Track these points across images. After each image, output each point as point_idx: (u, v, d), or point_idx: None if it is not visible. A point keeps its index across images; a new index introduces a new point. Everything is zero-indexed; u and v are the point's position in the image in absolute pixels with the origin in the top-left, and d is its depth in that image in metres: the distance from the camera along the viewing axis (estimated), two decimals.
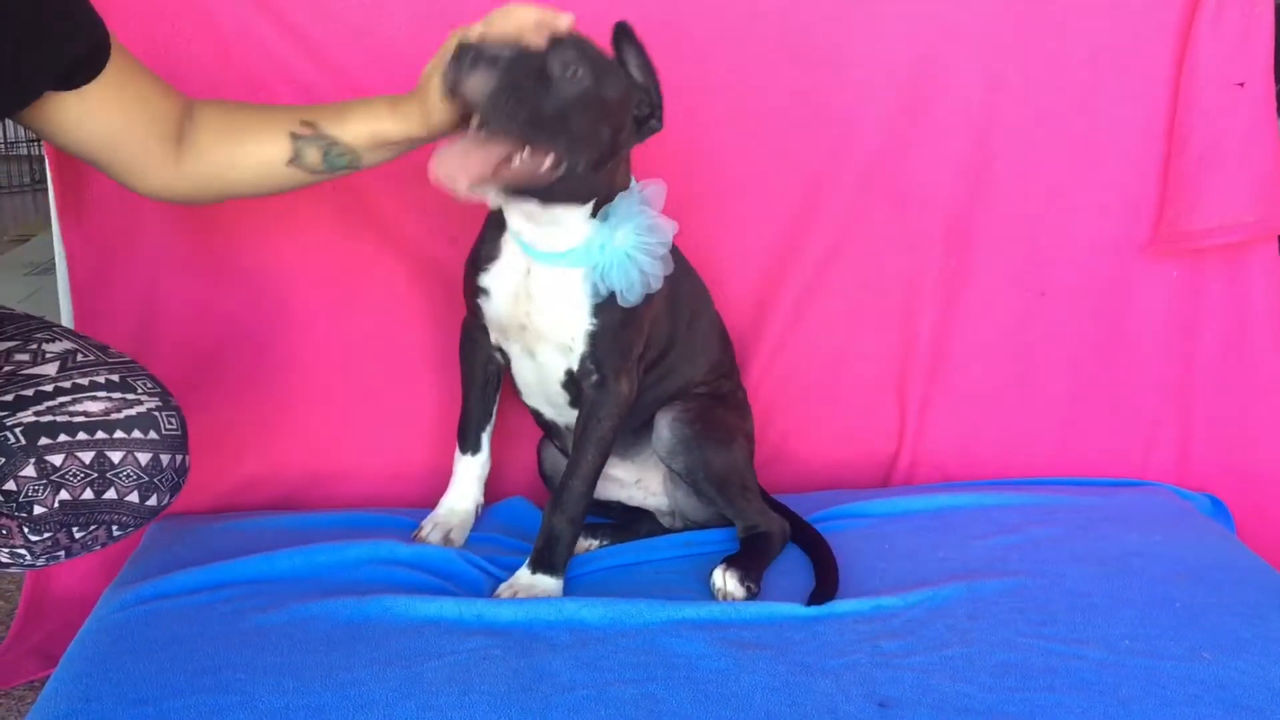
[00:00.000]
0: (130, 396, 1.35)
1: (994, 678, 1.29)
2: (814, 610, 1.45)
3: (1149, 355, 1.95)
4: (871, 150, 1.86)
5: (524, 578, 1.51)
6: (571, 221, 1.45)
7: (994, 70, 1.85)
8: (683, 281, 1.63)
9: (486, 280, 1.54)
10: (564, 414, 1.63)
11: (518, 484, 1.86)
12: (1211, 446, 1.96)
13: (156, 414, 1.36)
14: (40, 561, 1.34)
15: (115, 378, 1.36)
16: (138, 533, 1.44)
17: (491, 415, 1.69)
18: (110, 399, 1.33)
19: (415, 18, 1.75)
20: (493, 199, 1.38)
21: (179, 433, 1.38)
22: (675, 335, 1.63)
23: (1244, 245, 1.87)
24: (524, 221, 1.47)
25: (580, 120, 1.35)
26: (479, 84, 1.27)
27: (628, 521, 1.75)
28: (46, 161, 1.72)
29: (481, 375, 1.67)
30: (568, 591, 1.52)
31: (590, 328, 1.50)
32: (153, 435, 1.34)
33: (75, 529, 1.33)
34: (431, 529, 1.64)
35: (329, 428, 1.85)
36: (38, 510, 1.29)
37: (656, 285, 1.48)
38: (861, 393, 1.96)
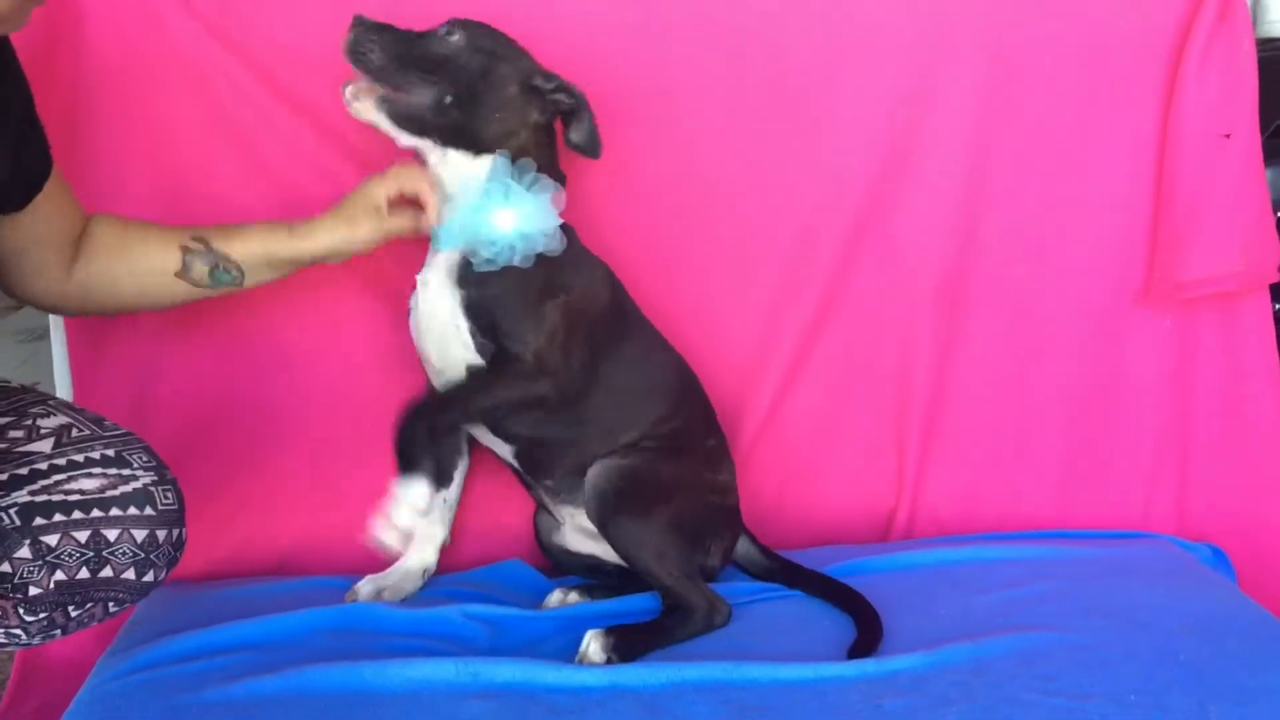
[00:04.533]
0: (126, 472, 1.34)
1: None
2: (814, 670, 1.43)
3: (1145, 406, 1.94)
4: (861, 208, 1.87)
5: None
6: (464, 169, 1.57)
7: (981, 127, 1.86)
8: (613, 316, 1.66)
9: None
10: (499, 446, 1.66)
11: (518, 550, 1.85)
12: (1211, 496, 1.96)
13: (152, 489, 1.35)
14: (36, 640, 1.33)
15: (111, 453, 1.35)
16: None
17: (450, 480, 1.73)
18: (106, 475, 1.32)
19: None
20: (390, 130, 1.56)
21: (175, 507, 1.37)
22: (598, 368, 1.62)
23: (1235, 295, 1.88)
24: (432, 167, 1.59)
25: (451, 68, 1.54)
26: (353, 40, 1.51)
27: (626, 580, 1.71)
28: None
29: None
30: (557, 651, 1.51)
31: (464, 300, 1.56)
32: (149, 511, 1.33)
33: (71, 608, 1.31)
34: (365, 583, 1.67)
35: (324, 492, 1.83)
36: (33, 591, 1.28)
37: (523, 253, 1.55)
38: (858, 448, 1.95)
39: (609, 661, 1.46)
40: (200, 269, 1.52)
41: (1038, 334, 1.93)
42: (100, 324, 1.76)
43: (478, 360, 1.57)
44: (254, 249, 1.54)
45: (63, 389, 1.78)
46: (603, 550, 1.67)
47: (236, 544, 1.81)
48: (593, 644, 1.48)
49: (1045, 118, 1.87)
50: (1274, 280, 1.87)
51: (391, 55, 1.51)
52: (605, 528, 1.59)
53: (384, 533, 1.48)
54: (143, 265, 1.52)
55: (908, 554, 1.79)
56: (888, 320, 1.91)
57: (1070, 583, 1.66)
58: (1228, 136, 1.81)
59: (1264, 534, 1.94)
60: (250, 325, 1.80)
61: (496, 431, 1.65)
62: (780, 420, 1.92)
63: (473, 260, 1.56)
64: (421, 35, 1.55)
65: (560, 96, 1.59)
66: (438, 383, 1.65)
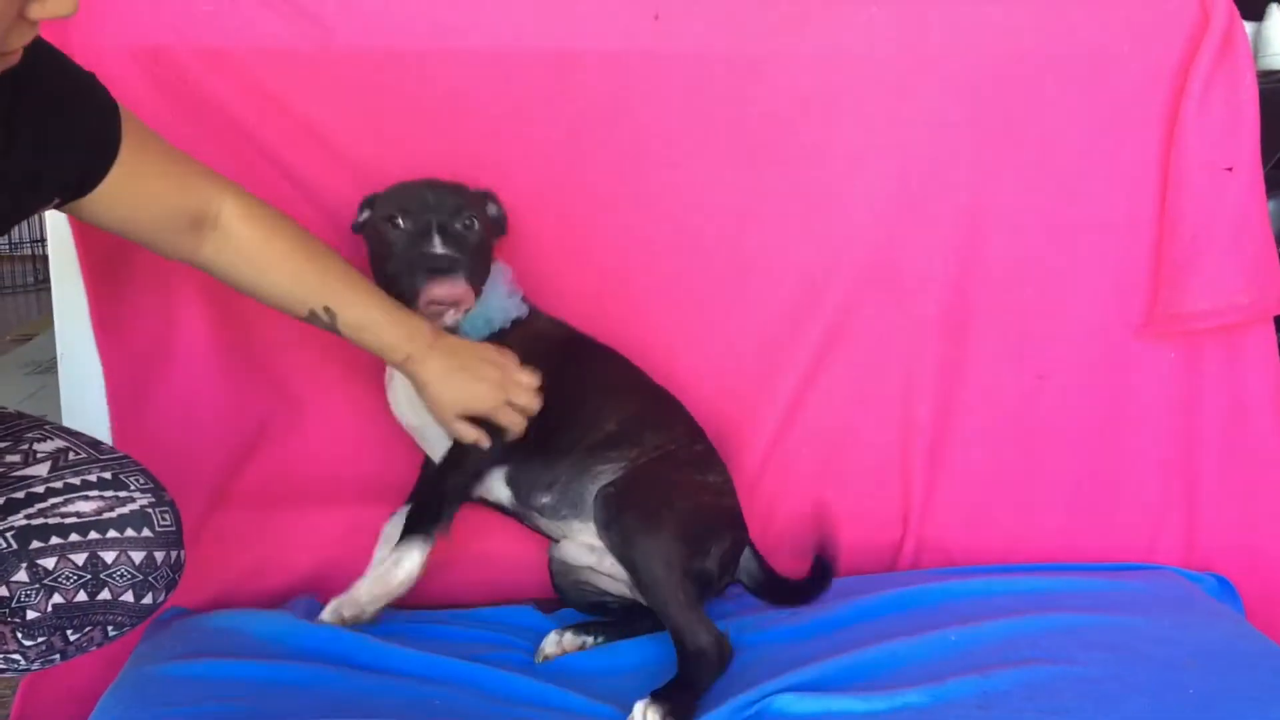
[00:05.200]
0: (123, 494, 1.34)
1: None
2: (821, 704, 1.43)
3: (1150, 436, 1.94)
4: (865, 240, 1.88)
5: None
6: None
7: (983, 156, 1.87)
8: (576, 342, 1.77)
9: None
10: (498, 490, 1.70)
11: (529, 587, 1.85)
12: (1217, 527, 1.95)
13: (150, 510, 1.34)
14: (35, 666, 1.32)
15: (107, 475, 1.34)
16: (134, 632, 1.42)
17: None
18: (103, 498, 1.32)
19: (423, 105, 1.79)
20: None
21: (173, 529, 1.36)
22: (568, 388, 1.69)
23: (1239, 326, 1.88)
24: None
25: (482, 250, 1.68)
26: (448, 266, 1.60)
27: (626, 619, 1.72)
28: (79, 270, 1.73)
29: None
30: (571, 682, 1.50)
31: None
32: (146, 533, 1.33)
33: (70, 631, 1.30)
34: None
35: (340, 525, 1.82)
36: (31, 615, 1.27)
37: (500, 322, 1.69)
38: (864, 480, 1.94)
39: None
40: (322, 326, 1.55)
41: (1042, 364, 1.93)
42: (139, 367, 1.77)
43: None
44: (369, 344, 1.57)
45: (69, 421, 1.78)
46: (598, 560, 1.68)
47: (248, 572, 1.80)
48: (649, 716, 1.43)
49: (1047, 148, 1.88)
50: (1277, 313, 1.88)
51: (473, 268, 1.64)
52: (613, 535, 1.60)
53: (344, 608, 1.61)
54: (272, 296, 1.55)
55: (913, 587, 1.78)
56: (892, 350, 1.92)
57: (1076, 615, 1.65)
58: (1230, 169, 1.82)
59: (1271, 565, 1.93)
60: (274, 361, 1.81)
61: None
62: (785, 451, 1.92)
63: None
64: (455, 232, 1.64)
65: (495, 210, 1.74)
66: (423, 440, 1.72)
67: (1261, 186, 1.84)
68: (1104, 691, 1.44)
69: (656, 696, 1.45)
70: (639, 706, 1.44)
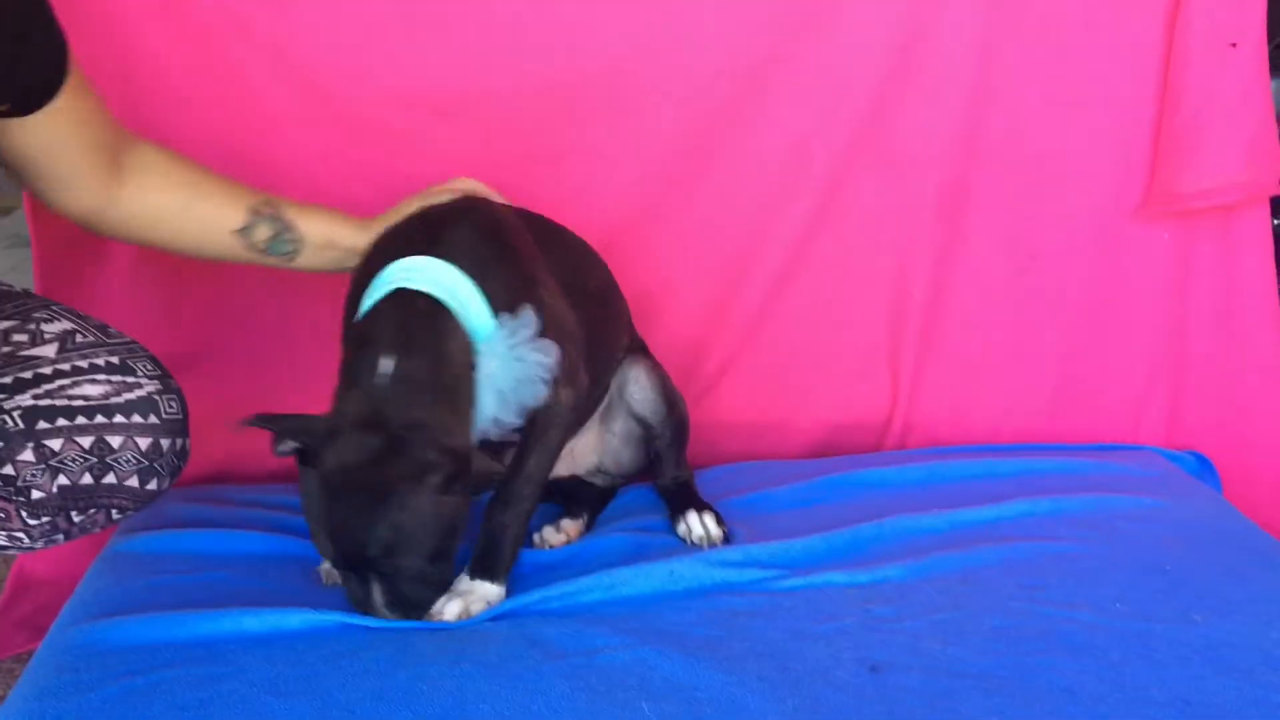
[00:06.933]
0: (130, 379, 1.33)
1: (986, 641, 1.29)
2: (804, 580, 1.44)
3: (1140, 319, 1.94)
4: (861, 115, 1.85)
5: (463, 584, 1.38)
6: None
7: (985, 33, 1.83)
8: (579, 267, 1.58)
9: None
10: None
11: None
12: (1202, 410, 1.97)
13: (157, 397, 1.34)
14: (39, 544, 1.33)
15: (115, 360, 1.34)
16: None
17: None
18: (110, 382, 1.32)
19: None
20: None
21: (179, 416, 1.37)
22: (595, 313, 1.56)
23: (1235, 208, 1.87)
24: None
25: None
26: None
27: (585, 496, 1.69)
28: None
29: None
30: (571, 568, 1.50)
31: None
32: (153, 419, 1.33)
33: (74, 513, 1.32)
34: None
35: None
36: (36, 495, 1.28)
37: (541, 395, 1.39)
38: (853, 358, 1.95)
39: (725, 535, 1.55)
40: (263, 232, 1.47)
41: (1035, 245, 1.92)
42: (73, 238, 1.70)
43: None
44: (320, 228, 1.50)
45: None
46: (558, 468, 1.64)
47: (231, 456, 1.81)
48: (709, 525, 1.55)
49: (1050, 23, 1.84)
50: (1275, 193, 1.86)
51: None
52: (664, 414, 1.64)
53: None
54: (204, 212, 1.46)
55: (898, 468, 1.79)
56: (886, 226, 1.90)
57: (1058, 494, 1.67)
58: (1234, 45, 1.79)
59: (1253, 447, 1.95)
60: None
61: None
62: (772, 328, 1.92)
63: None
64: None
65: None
66: None
67: (1265, 64, 1.81)
68: (1083, 568, 1.47)
69: (697, 507, 1.57)
70: (693, 518, 1.56)
